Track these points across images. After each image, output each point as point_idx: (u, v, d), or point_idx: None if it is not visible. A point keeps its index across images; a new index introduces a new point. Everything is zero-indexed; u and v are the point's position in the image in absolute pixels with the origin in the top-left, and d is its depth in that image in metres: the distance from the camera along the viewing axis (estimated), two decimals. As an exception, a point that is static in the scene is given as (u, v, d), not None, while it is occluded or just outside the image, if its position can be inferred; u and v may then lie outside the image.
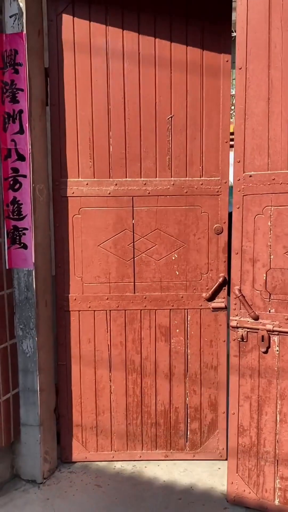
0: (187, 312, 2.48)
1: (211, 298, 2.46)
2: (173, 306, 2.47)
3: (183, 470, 2.51)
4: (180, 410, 2.54)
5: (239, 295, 2.09)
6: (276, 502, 2.11)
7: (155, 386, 2.53)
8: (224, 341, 2.50)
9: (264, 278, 2.04)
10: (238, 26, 1.97)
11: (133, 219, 2.42)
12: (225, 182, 2.41)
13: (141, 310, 2.47)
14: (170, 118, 2.36)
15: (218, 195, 2.41)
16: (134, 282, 2.46)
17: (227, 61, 2.35)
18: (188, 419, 2.55)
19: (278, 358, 2.05)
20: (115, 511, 2.20)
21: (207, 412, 2.55)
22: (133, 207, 2.41)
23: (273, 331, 2.04)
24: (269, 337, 2.05)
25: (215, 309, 2.47)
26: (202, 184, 2.41)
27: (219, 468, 2.51)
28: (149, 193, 2.41)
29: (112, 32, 2.33)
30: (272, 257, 2.02)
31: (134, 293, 2.46)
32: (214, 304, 2.46)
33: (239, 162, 2.05)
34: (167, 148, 2.39)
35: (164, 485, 2.40)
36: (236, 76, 2.00)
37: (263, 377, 2.09)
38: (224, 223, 2.43)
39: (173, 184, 2.41)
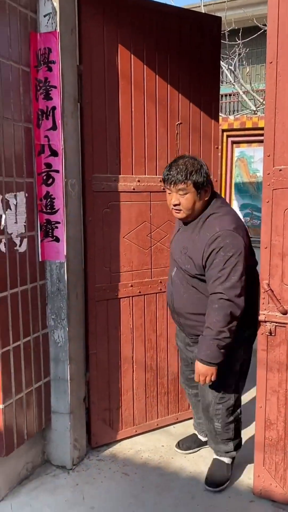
0: None
1: None
2: None
3: (210, 462, 2.54)
4: None
5: (267, 289, 2.09)
6: (303, 496, 2.11)
7: (167, 359, 2.83)
8: None
9: (293, 272, 2.04)
10: (269, 19, 1.96)
11: (150, 212, 2.65)
12: (216, 181, 2.81)
13: (156, 293, 2.74)
14: (178, 125, 2.67)
15: None
16: (151, 269, 2.72)
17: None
18: None
19: (307, 353, 2.04)
20: (142, 499, 2.26)
21: None
22: (150, 201, 2.66)
23: (302, 325, 2.03)
24: (298, 332, 2.05)
25: None
26: None
27: (245, 462, 2.52)
28: (163, 188, 2.62)
29: (135, 45, 2.49)
30: (301, 251, 2.01)
31: (151, 278, 2.72)
32: None
33: (269, 156, 2.04)
34: (176, 150, 2.69)
35: (190, 476, 2.43)
36: (267, 70, 2.00)
37: (291, 372, 2.09)
38: None
39: None
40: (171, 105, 2.66)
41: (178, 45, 2.62)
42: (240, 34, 8.59)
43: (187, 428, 2.84)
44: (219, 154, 3.01)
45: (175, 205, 2.09)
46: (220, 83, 2.96)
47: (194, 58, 2.69)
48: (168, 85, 2.63)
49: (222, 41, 2.89)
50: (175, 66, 2.63)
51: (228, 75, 8.87)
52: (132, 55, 2.49)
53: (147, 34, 2.52)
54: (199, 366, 2.05)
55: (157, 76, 2.58)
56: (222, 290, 1.97)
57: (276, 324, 2.09)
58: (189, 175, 2.03)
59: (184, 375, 2.57)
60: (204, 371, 2.04)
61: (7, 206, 2.07)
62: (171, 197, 2.10)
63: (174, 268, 2.24)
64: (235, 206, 4.86)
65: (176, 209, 2.10)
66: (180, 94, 2.68)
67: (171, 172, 2.05)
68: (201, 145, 2.80)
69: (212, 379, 2.06)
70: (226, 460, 2.37)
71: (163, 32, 2.57)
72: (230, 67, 8.64)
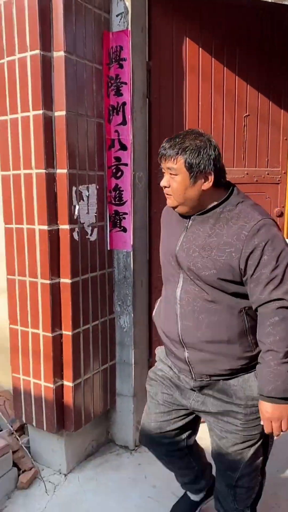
0: None
1: None
2: None
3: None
4: None
5: None
6: None
7: None
8: None
9: None
10: None
11: None
12: (284, 173, 2.86)
13: None
14: (246, 117, 2.68)
15: (278, 183, 2.86)
16: None
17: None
18: None
19: None
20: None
21: None
22: None
23: None
24: None
25: None
26: (268, 174, 2.83)
27: (307, 456, 2.51)
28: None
29: (203, 38, 2.54)
30: None
31: None
32: None
33: None
34: (243, 141, 2.72)
35: (250, 465, 2.45)
36: None
37: None
38: (283, 207, 2.83)
39: (246, 174, 2.77)
40: (239, 96, 2.67)
41: (247, 37, 2.63)
42: (308, 22, 8.23)
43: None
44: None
45: (165, 188, 1.61)
46: None
47: (263, 48, 2.68)
48: (236, 77, 2.64)
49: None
50: (244, 57, 2.64)
51: (295, 65, 8.55)
52: (200, 49, 2.53)
53: (215, 27, 2.54)
54: (269, 409, 1.46)
55: (225, 68, 2.61)
56: (281, 295, 1.47)
57: None
58: (181, 151, 1.51)
59: (155, 442, 1.95)
60: (278, 414, 1.45)
61: (80, 197, 2.21)
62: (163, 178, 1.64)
63: (179, 282, 1.66)
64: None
65: (167, 193, 1.62)
66: (248, 85, 2.68)
67: (164, 145, 1.58)
68: (269, 136, 2.79)
69: None
70: None
71: (232, 24, 2.58)
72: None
